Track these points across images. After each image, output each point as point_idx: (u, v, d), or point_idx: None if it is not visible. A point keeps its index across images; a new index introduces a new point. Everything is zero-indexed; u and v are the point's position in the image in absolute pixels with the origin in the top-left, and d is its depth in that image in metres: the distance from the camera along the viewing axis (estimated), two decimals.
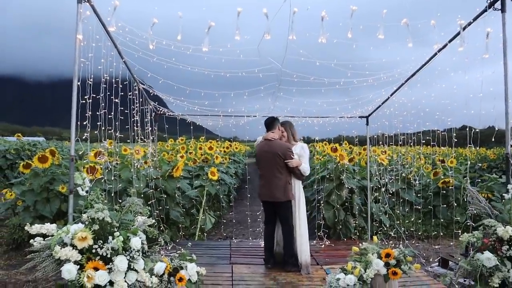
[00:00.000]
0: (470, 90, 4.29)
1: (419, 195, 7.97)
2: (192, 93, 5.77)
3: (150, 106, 6.24)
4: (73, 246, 2.75)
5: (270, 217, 5.18)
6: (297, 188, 5.14)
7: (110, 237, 2.86)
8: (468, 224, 6.75)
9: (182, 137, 9.88)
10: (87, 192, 3.08)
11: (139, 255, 2.82)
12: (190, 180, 7.69)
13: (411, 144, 6.77)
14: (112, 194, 4.92)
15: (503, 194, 3.37)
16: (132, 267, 2.83)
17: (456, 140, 5.47)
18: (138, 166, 5.74)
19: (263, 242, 5.69)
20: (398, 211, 7.44)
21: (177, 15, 3.34)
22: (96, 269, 2.76)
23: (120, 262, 2.74)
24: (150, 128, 5.93)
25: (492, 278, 2.96)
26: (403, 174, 7.68)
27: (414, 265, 4.23)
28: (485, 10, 3.82)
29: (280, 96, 5.96)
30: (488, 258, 2.97)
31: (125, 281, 2.79)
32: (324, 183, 6.89)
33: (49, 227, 2.91)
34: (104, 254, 2.76)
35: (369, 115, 6.84)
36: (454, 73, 5.21)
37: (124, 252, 2.80)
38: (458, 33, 4.16)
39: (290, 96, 6.04)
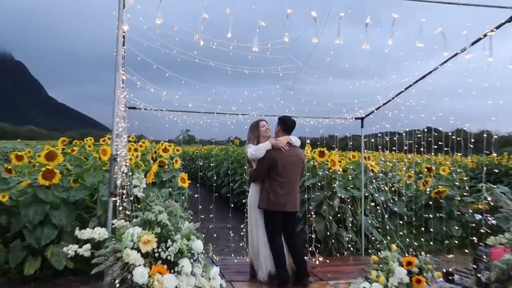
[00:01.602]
0: None
1: (410, 206, 9.48)
2: (172, 79, 6.01)
3: (125, 94, 6.23)
4: (137, 250, 3.43)
5: (279, 229, 5.98)
6: None
7: (169, 241, 3.57)
8: (465, 236, 8.21)
9: (144, 140, 10.50)
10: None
11: (202, 258, 3.57)
12: (157, 187, 8.14)
13: (405, 150, 8.16)
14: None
15: None
16: (192, 272, 3.58)
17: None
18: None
19: (247, 258, 6.57)
20: (387, 225, 8.79)
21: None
22: (159, 273, 3.46)
23: (186, 265, 3.47)
24: (123, 124, 6.35)
25: None
26: (394, 184, 9.10)
27: (436, 273, 5.44)
28: (508, 21, 5.14)
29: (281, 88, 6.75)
30: None
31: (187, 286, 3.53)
32: (314, 192, 7.94)
33: (101, 231, 3.53)
34: (168, 257, 3.48)
35: (366, 117, 7.99)
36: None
37: (188, 254, 3.52)
38: (479, 39, 5.45)
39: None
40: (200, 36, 4.58)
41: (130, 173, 5.51)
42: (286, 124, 6.09)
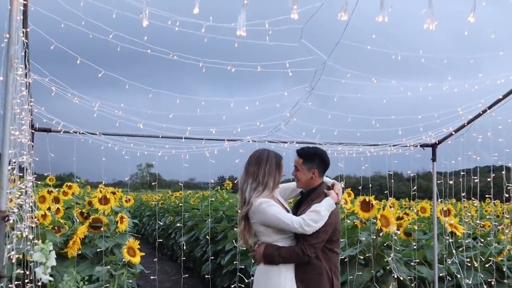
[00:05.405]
0: None
1: None
2: (108, 80, 5.95)
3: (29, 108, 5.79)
4: None
5: None
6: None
7: None
8: None
9: (72, 183, 9.89)
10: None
11: None
12: (88, 263, 7.69)
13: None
14: None
15: None
16: None
17: None
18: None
19: None
20: None
21: None
22: None
23: None
24: (25, 158, 5.61)
25: None
26: (490, 258, 7.91)
27: None
28: None
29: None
30: None
31: None
32: (353, 271, 7.24)
33: None
34: None
35: (440, 143, 7.55)
36: None
37: None
38: None
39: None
40: (145, 14, 4.37)
41: (37, 241, 5.47)
42: (326, 164, 5.73)
